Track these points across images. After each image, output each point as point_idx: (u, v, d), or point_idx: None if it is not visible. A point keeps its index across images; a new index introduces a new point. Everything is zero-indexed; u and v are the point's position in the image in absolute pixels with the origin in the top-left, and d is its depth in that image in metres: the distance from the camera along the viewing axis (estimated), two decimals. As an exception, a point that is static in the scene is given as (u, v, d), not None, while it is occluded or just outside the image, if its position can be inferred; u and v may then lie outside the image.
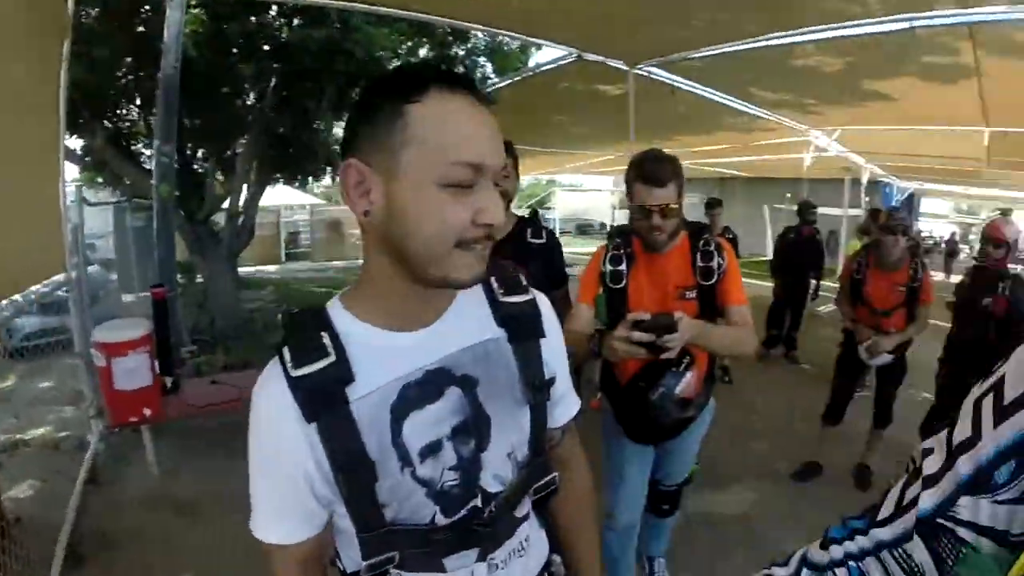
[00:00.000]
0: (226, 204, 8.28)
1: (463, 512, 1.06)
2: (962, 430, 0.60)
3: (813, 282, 8.00)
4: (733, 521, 3.93)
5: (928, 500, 0.63)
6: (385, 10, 5.23)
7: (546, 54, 7.05)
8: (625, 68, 6.24)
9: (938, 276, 19.34)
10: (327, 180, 9.81)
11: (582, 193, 36.07)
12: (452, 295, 1.08)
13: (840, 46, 5.52)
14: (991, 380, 0.58)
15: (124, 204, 9.34)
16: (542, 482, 1.20)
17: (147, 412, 3.94)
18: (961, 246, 24.01)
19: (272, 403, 0.97)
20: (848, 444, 4.70)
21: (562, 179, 32.49)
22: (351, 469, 0.97)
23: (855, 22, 4.80)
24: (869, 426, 4.46)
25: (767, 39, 5.28)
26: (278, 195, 17.13)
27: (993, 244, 3.90)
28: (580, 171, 20.49)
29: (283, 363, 0.96)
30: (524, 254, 2.42)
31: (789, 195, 17.72)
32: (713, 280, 2.37)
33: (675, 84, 7.00)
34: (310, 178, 9.22)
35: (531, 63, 10.19)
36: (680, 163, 2.27)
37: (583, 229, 32.41)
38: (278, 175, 8.98)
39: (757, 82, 7.20)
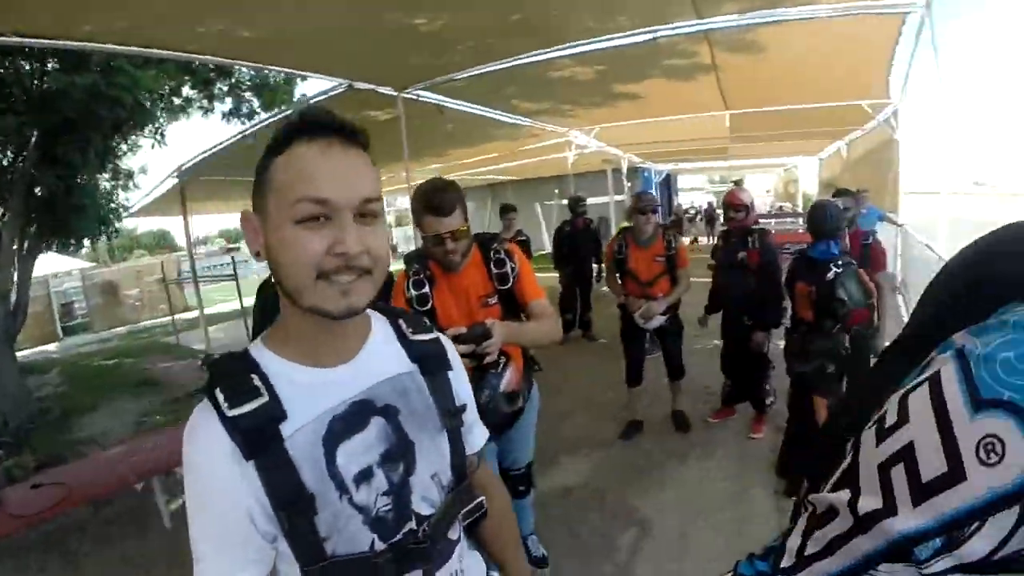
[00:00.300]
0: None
1: (399, 536, 1.12)
2: (870, 499, 0.59)
3: (595, 266, 8.60)
4: (581, 488, 4.33)
5: (838, 563, 0.65)
6: (147, 51, 4.94)
7: (316, 85, 7.07)
8: (394, 93, 6.48)
9: (704, 240, 21.59)
10: (102, 240, 8.91)
11: None
12: (365, 333, 1.18)
13: (593, 58, 6.15)
14: (896, 443, 0.57)
15: None
16: (470, 507, 1.29)
17: (-24, 535, 3.34)
18: (718, 211, 26.68)
19: (208, 445, 1.00)
20: (657, 398, 5.44)
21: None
22: (291, 503, 1.01)
23: (605, 37, 5.41)
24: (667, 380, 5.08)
25: (527, 56, 5.77)
26: (43, 263, 15.43)
27: (733, 209, 4.65)
28: None
29: (216, 405, 1.00)
30: None
31: (558, 191, 18.91)
32: (509, 284, 2.65)
33: (442, 104, 7.34)
34: (85, 240, 8.34)
35: (297, 93, 10.15)
36: (459, 187, 2.49)
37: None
38: (49, 241, 7.94)
39: (519, 94, 7.73)
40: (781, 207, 25.11)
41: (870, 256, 4.53)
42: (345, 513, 1.06)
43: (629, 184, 17.82)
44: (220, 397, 1.01)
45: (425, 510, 1.17)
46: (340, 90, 6.28)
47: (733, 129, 11.26)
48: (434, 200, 2.40)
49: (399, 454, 1.13)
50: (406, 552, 1.12)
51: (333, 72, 6.00)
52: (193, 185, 10.53)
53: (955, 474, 0.51)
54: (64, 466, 4.95)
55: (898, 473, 0.56)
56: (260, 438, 1.00)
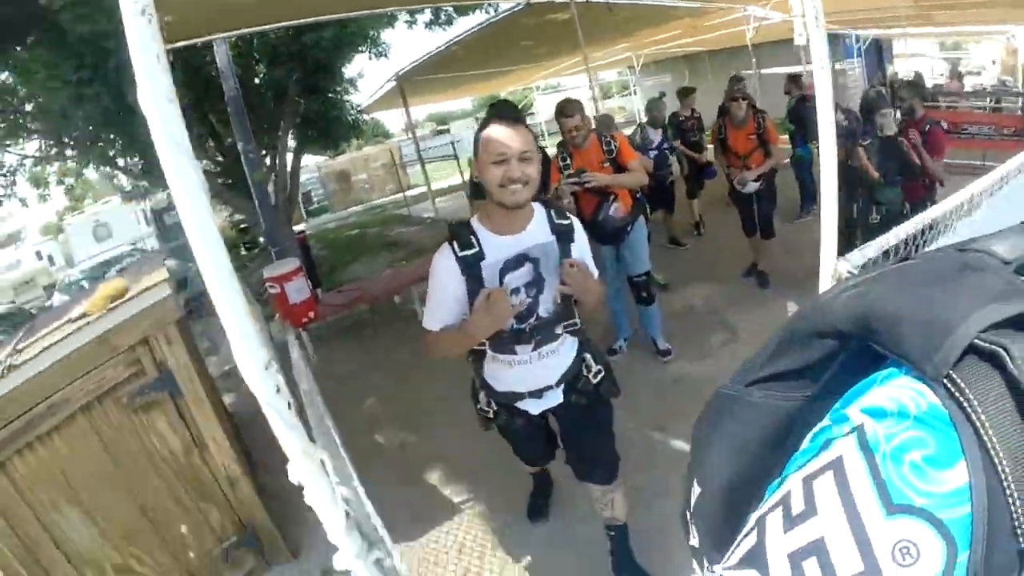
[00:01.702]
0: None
1: (527, 324, 2.22)
2: None
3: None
4: (700, 307, 6.07)
5: None
6: (367, 12, 7.11)
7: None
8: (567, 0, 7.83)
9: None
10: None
11: (561, 93, 37.14)
12: (528, 217, 2.19)
13: None
14: (806, 535, 0.55)
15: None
16: (569, 322, 2.33)
17: (311, 315, 5.95)
18: (939, 81, 24.05)
19: (445, 265, 2.12)
20: (789, 252, 6.66)
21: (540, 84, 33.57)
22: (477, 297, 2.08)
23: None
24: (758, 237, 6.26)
25: None
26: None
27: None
28: (556, 74, 21.84)
29: (452, 248, 2.11)
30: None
31: (755, 60, 19.01)
32: (614, 155, 4.47)
33: (611, 2, 8.43)
34: (342, 143, 11.22)
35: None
36: (579, 102, 4.48)
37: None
38: (312, 148, 11.08)
39: None
40: (1004, 82, 22.25)
41: (928, 142, 5.13)
42: None
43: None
44: (455, 244, 2.13)
45: (543, 314, 2.25)
46: (520, 7, 7.90)
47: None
48: (564, 110, 4.39)
49: (535, 283, 2.18)
50: (529, 331, 2.24)
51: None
52: (409, 84, 12.83)
53: (872, 574, 0.50)
54: (352, 284, 7.85)
55: (811, 566, 0.54)
56: (470, 266, 2.11)
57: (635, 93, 24.47)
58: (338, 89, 10.60)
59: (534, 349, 2.30)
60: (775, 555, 0.57)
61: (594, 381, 2.50)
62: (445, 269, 2.17)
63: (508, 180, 2.02)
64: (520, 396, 2.43)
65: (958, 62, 30.78)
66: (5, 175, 11.89)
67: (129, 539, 3.11)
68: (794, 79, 9.17)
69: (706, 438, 0.83)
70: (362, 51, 10.47)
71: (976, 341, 0.49)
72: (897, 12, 11.92)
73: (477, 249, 2.14)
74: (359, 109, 11.93)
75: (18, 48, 7.40)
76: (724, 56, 20.72)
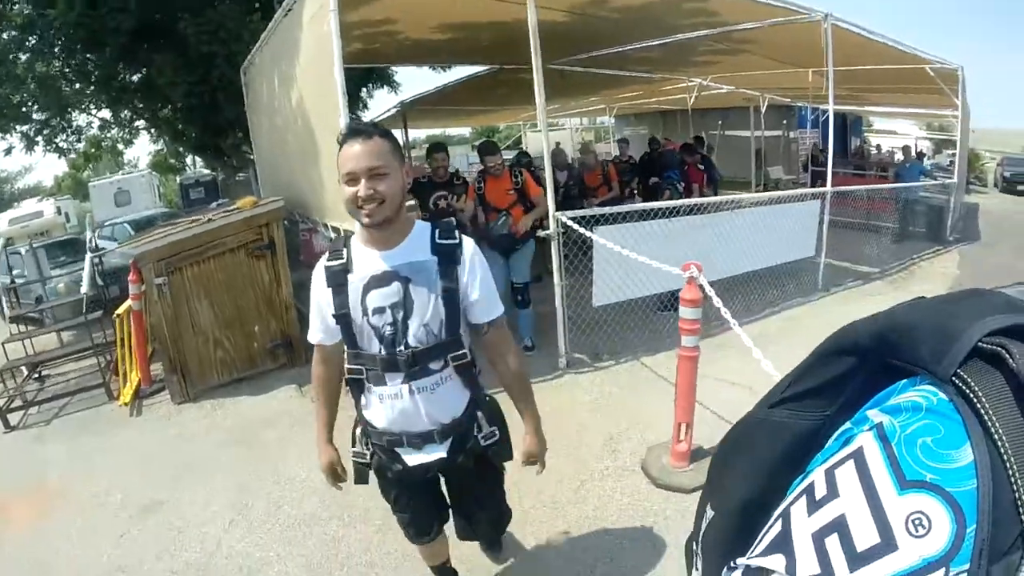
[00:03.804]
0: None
1: (394, 351, 2.13)
2: (808, 565, 0.61)
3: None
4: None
5: None
6: (394, 67, 10.53)
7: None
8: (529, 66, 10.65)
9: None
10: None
11: (554, 132, 38.81)
12: (405, 233, 2.15)
13: (653, 48, 9.51)
14: (828, 515, 0.61)
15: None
16: (456, 353, 2.20)
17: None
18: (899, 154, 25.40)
19: (318, 277, 2.20)
20: None
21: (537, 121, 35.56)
22: (343, 313, 2.14)
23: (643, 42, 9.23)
24: None
25: (605, 49, 9.61)
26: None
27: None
28: (532, 119, 23.48)
29: (324, 260, 2.19)
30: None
31: (721, 122, 21.79)
32: (520, 186, 6.07)
33: (565, 69, 10.99)
34: None
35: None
36: (496, 145, 7.26)
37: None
38: None
39: (625, 63, 11.37)
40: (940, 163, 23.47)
41: (687, 175, 8.78)
42: (365, 327, 2.16)
43: (785, 121, 20.85)
44: (326, 256, 2.22)
45: (413, 342, 2.14)
46: (494, 70, 10.96)
47: (837, 83, 11.06)
48: (488, 150, 6.39)
49: (402, 305, 2.12)
50: (395, 361, 2.15)
51: (489, 61, 10.71)
52: (411, 111, 16.35)
53: (888, 544, 0.55)
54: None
55: (833, 543, 0.59)
56: (337, 278, 2.16)
57: (612, 140, 27.54)
58: (354, 110, 13.47)
59: (404, 382, 2.18)
60: (800, 537, 0.63)
61: (484, 444, 2.35)
62: (315, 279, 2.25)
63: (359, 200, 2.01)
64: (398, 440, 2.27)
65: (941, 145, 32.33)
66: (75, 132, 14.90)
67: (227, 326, 6.31)
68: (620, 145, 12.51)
69: (726, 462, 0.90)
70: (380, 87, 13.83)
71: (980, 344, 0.57)
72: (806, 91, 13.61)
73: (344, 261, 2.16)
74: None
75: (147, 47, 10.47)
76: (697, 116, 22.98)
